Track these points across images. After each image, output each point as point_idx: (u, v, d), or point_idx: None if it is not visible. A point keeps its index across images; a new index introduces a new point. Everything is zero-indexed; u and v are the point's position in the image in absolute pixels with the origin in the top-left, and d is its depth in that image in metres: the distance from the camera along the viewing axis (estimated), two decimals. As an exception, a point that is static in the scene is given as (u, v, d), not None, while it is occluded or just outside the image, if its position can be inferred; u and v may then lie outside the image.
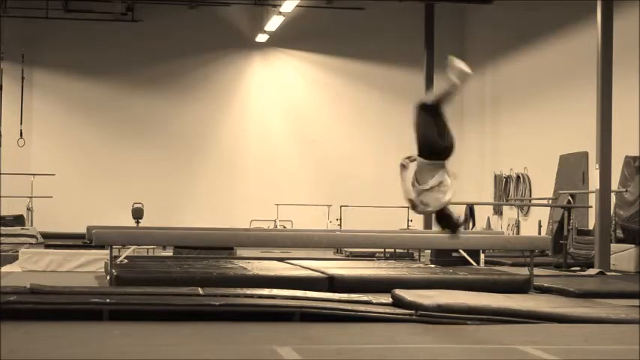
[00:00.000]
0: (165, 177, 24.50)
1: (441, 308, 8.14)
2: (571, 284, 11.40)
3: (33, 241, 17.70)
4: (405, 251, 18.16)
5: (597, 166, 15.19)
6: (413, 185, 7.28)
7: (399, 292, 8.90)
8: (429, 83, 23.15)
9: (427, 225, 22.25)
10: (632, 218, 16.06)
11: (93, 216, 20.68)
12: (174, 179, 24.51)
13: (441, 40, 23.57)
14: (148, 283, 10.02)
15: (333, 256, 18.45)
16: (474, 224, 21.32)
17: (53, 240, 17.35)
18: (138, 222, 20.42)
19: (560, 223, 17.46)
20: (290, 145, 25.16)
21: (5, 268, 13.91)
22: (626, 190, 16.37)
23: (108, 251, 11.88)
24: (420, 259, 16.47)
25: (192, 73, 24.87)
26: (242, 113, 25.20)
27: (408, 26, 24.59)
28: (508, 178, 22.44)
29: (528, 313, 8.25)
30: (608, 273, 14.39)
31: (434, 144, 7.12)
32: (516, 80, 22.48)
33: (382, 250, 17.62)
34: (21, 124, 22.05)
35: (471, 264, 13.49)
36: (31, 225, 20.29)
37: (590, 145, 16.59)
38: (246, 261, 13.71)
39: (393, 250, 17.75)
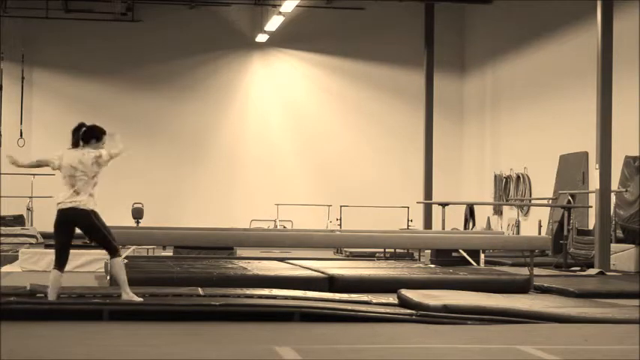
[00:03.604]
0: (165, 177, 24.50)
1: (447, 308, 8.15)
2: (571, 284, 11.40)
3: (33, 241, 17.71)
4: (405, 251, 18.16)
5: (597, 166, 15.19)
6: None
7: (404, 292, 8.91)
8: (429, 83, 23.16)
9: (427, 225, 22.26)
10: (632, 218, 16.07)
11: (93, 216, 20.64)
12: (175, 179, 24.52)
13: (441, 40, 23.59)
14: (148, 283, 10.02)
15: (333, 256, 18.45)
16: (474, 224, 21.32)
17: (53, 240, 17.31)
18: (138, 222, 20.43)
19: (560, 223, 17.46)
20: (290, 145, 25.17)
21: (5, 268, 13.91)
22: (626, 190, 16.38)
23: (108, 251, 11.86)
24: (420, 259, 16.47)
25: (192, 73, 24.88)
26: (242, 113, 25.20)
27: (408, 26, 24.59)
28: (508, 178, 22.44)
29: (528, 313, 8.26)
30: (608, 273, 14.39)
31: None
32: (516, 80, 22.48)
33: (382, 250, 17.62)
34: (21, 124, 22.08)
35: (471, 264, 13.49)
36: (31, 225, 20.30)
37: (590, 145, 16.59)
38: (246, 261, 13.71)
39: (393, 250, 17.75)
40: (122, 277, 8.28)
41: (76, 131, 8.45)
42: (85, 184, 8.31)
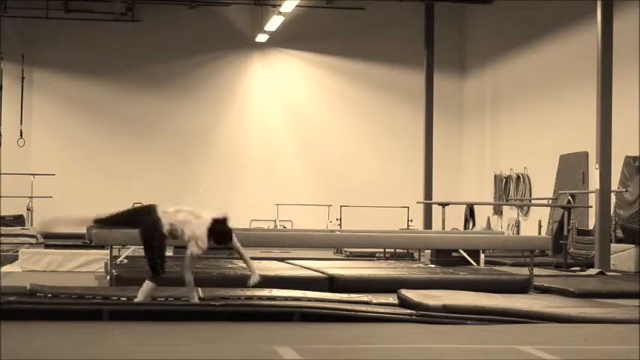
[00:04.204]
0: (165, 177, 24.50)
1: (446, 309, 8.14)
2: (571, 284, 11.40)
3: (33, 241, 17.71)
4: (405, 251, 18.16)
5: (597, 166, 15.19)
6: None
7: (404, 292, 8.91)
8: (429, 83, 23.16)
9: (427, 225, 22.26)
10: (632, 218, 16.07)
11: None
12: (175, 179, 24.51)
13: (441, 40, 23.58)
14: (148, 283, 10.01)
15: (333, 256, 18.44)
16: (474, 224, 21.30)
17: (53, 240, 17.35)
18: (138, 222, 20.39)
19: (560, 223, 17.46)
20: (290, 145, 25.17)
21: (5, 268, 13.90)
22: (626, 190, 16.38)
23: (108, 251, 11.88)
24: (420, 259, 16.47)
25: (192, 73, 24.88)
26: (242, 113, 25.20)
27: (408, 26, 24.60)
28: (508, 178, 22.44)
29: (528, 313, 8.26)
30: (608, 273, 14.39)
31: None
32: (516, 80, 22.48)
33: (382, 250, 17.62)
34: (21, 124, 22.09)
35: (471, 264, 13.49)
36: (31, 225, 20.30)
37: (590, 145, 16.59)
38: (246, 261, 13.67)
39: (393, 250, 17.75)
40: (146, 295, 8.24)
41: (217, 223, 8.44)
42: (174, 216, 8.31)
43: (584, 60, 17.83)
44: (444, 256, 14.49)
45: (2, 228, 17.95)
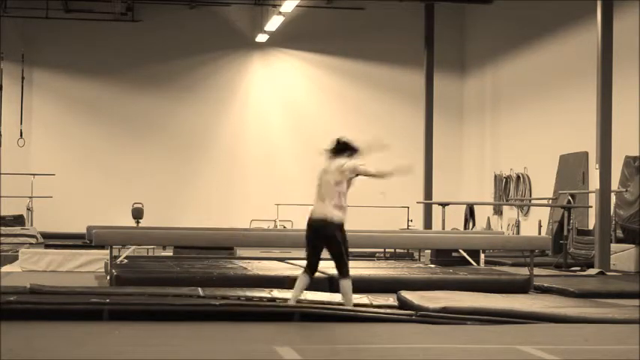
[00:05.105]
0: (165, 177, 24.50)
1: (446, 311, 8.13)
2: (571, 284, 11.41)
3: (33, 241, 17.71)
4: (405, 251, 18.15)
5: (597, 166, 15.20)
6: None
7: (404, 293, 8.91)
8: (429, 83, 23.16)
9: (427, 225, 22.26)
10: (632, 218, 16.06)
11: (93, 216, 20.70)
12: (175, 179, 24.52)
13: (441, 40, 23.58)
14: (148, 283, 10.03)
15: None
16: (474, 224, 21.31)
17: (53, 240, 17.35)
18: (138, 222, 20.44)
19: (560, 223, 17.46)
20: (290, 145, 25.16)
21: (5, 268, 13.91)
22: (626, 190, 16.38)
23: (108, 251, 11.89)
24: (420, 259, 16.46)
25: (192, 73, 24.88)
26: (242, 113, 25.20)
27: (408, 26, 24.59)
28: (508, 178, 22.44)
29: (528, 314, 8.26)
30: (608, 273, 14.39)
31: None
32: (516, 80, 22.48)
33: (382, 250, 17.62)
34: (21, 124, 22.10)
35: (471, 264, 13.49)
36: (31, 225, 20.30)
37: (590, 145, 16.59)
38: (246, 261, 13.71)
39: (393, 250, 17.74)
40: (349, 296, 8.36)
41: (335, 145, 9.03)
42: (329, 191, 8.61)
43: (584, 60, 17.83)
44: (444, 256, 14.48)
45: (2, 228, 17.94)
